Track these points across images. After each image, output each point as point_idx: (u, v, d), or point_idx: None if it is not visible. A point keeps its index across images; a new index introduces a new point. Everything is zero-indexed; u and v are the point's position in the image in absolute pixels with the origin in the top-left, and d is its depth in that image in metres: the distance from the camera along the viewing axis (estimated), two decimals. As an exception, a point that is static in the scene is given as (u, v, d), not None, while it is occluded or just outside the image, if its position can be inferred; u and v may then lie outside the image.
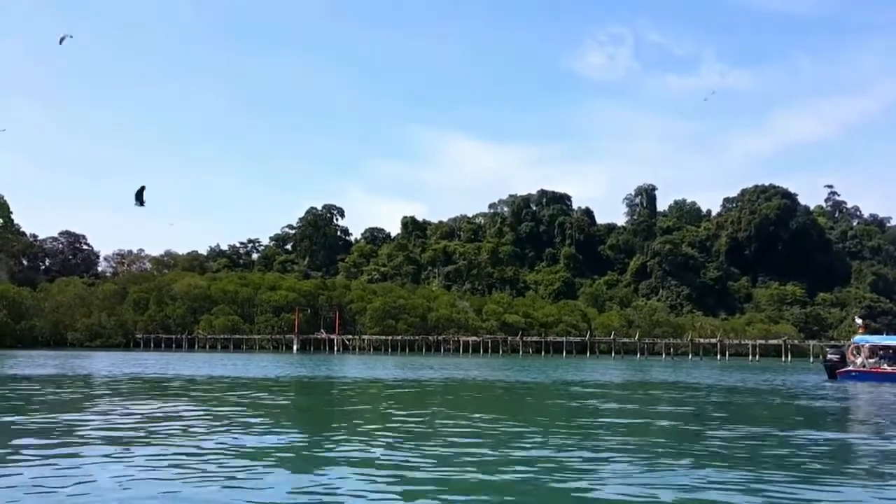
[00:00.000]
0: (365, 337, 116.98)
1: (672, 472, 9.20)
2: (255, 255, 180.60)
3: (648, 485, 8.36)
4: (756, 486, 8.39)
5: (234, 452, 10.40)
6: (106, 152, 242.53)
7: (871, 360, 35.99)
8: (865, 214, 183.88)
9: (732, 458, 10.63)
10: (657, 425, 15.63)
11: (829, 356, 39.06)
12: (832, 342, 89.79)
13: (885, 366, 35.18)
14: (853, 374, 35.94)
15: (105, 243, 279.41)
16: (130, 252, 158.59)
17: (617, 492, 7.98)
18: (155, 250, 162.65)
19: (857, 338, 38.81)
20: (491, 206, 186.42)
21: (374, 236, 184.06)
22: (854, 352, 37.33)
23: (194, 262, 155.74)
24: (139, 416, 15.26)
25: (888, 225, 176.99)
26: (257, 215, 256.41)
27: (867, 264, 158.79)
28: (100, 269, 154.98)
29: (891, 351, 36.08)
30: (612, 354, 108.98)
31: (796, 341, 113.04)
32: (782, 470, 9.50)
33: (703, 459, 10.28)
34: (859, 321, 43.00)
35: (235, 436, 12.24)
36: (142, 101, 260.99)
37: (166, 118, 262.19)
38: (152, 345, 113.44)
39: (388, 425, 14.25)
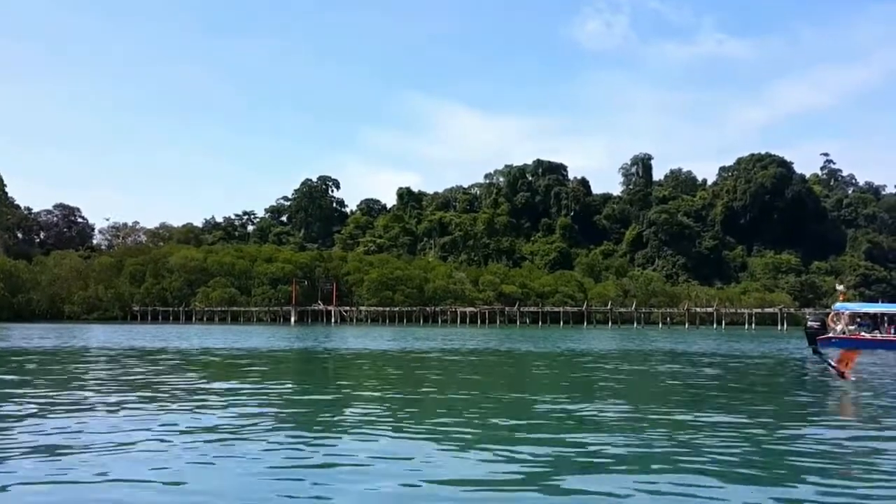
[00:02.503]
0: (362, 308, 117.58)
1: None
2: (250, 228, 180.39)
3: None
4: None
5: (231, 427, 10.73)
6: (102, 127, 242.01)
7: (850, 328, 36.43)
8: (861, 182, 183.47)
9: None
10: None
11: (809, 323, 39.13)
12: (827, 310, 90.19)
13: (864, 333, 35.65)
14: (833, 340, 36.34)
15: (99, 216, 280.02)
16: (125, 225, 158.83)
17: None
18: (149, 223, 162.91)
19: (838, 305, 39.16)
20: (487, 176, 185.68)
21: (370, 207, 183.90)
22: (834, 319, 37.69)
23: (189, 235, 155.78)
24: (136, 384, 15.64)
25: (883, 193, 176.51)
26: (252, 187, 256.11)
27: (862, 232, 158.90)
28: (95, 241, 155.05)
29: (869, 318, 36.54)
30: (609, 324, 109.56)
31: (792, 310, 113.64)
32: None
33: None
34: (840, 288, 43.34)
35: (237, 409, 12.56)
36: (137, 79, 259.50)
37: (159, 93, 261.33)
38: (149, 317, 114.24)
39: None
